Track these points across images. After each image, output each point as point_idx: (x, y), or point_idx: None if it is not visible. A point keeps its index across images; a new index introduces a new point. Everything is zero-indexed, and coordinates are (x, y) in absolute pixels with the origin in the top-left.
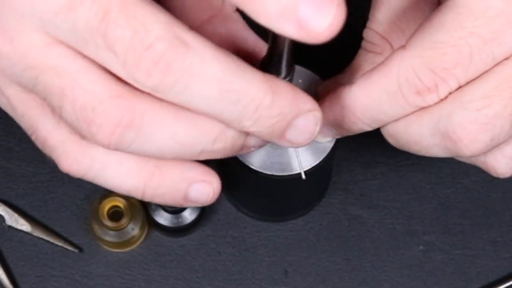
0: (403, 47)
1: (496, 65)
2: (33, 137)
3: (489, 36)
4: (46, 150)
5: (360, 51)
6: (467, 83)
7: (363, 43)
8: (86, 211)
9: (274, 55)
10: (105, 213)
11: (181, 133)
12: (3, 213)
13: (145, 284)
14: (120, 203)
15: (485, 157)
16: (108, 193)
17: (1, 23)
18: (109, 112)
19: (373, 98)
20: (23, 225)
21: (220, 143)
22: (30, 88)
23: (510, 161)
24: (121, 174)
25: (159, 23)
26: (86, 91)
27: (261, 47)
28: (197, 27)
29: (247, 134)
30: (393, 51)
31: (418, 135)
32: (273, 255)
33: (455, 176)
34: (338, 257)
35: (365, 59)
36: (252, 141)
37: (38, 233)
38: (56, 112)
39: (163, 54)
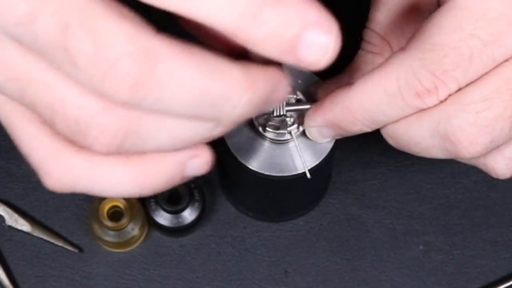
0: (402, 48)
1: (496, 67)
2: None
3: (489, 38)
4: (31, 165)
5: (360, 52)
6: (467, 85)
7: (363, 44)
8: (86, 211)
9: None
10: (105, 213)
11: (179, 130)
12: (3, 213)
13: (145, 284)
14: (120, 203)
15: (485, 159)
16: None
17: None
18: (104, 125)
19: (373, 99)
20: (23, 225)
21: (218, 129)
22: (16, 100)
23: (510, 162)
24: (111, 186)
25: (123, 35)
26: (77, 105)
27: None
28: None
29: None
30: (393, 52)
31: (418, 137)
32: (273, 255)
33: (455, 176)
34: (338, 257)
35: (364, 60)
36: None
37: (38, 233)
38: (49, 123)
39: (129, 71)
